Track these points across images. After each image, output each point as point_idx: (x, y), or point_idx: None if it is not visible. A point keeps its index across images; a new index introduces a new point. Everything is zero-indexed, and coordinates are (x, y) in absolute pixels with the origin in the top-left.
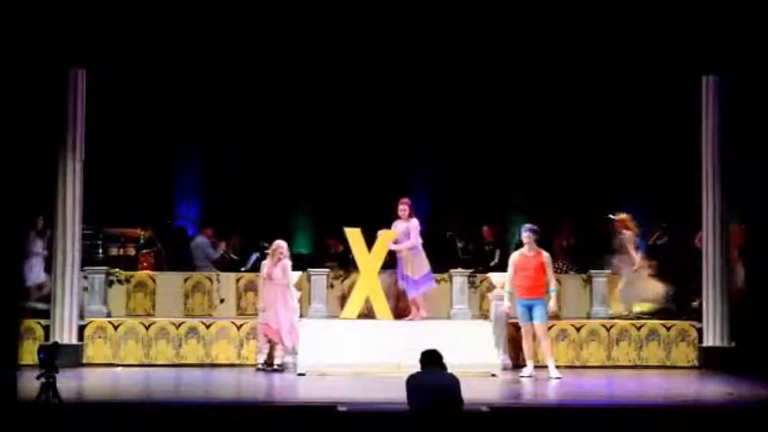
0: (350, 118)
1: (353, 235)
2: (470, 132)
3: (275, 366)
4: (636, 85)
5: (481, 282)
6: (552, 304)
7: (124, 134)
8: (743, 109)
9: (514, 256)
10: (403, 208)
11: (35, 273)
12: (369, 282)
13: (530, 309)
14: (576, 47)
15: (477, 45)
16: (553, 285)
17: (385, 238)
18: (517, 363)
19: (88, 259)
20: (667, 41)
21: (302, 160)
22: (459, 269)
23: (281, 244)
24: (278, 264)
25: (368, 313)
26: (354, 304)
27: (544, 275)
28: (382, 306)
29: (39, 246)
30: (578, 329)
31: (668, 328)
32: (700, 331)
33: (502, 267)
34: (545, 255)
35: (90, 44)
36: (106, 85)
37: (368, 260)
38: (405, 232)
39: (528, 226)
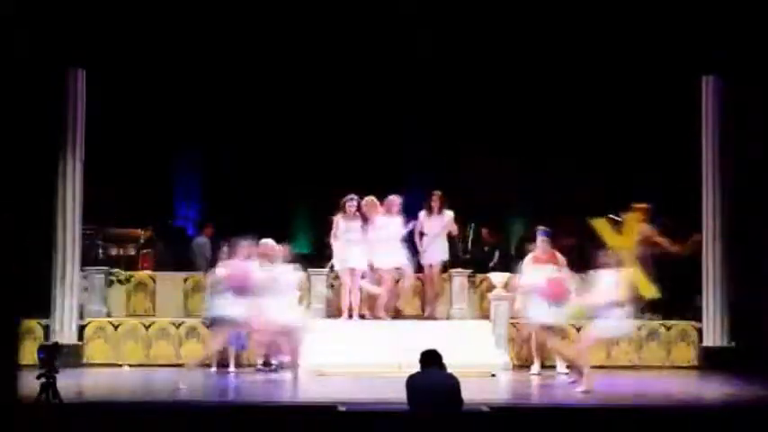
0: (349, 118)
1: (600, 224)
2: (470, 132)
3: (273, 366)
4: (636, 86)
5: (481, 282)
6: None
7: (124, 134)
8: (743, 109)
9: (528, 259)
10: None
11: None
12: (629, 263)
13: None
14: (575, 48)
15: (478, 48)
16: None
17: (637, 217)
18: (517, 363)
19: (88, 259)
20: (667, 42)
21: (302, 160)
22: (459, 269)
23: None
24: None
25: (366, 314)
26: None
27: None
28: (646, 285)
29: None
30: (578, 329)
31: (668, 328)
32: (700, 331)
33: (501, 267)
34: (559, 257)
35: (90, 44)
36: (106, 85)
37: (623, 243)
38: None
39: (544, 230)
